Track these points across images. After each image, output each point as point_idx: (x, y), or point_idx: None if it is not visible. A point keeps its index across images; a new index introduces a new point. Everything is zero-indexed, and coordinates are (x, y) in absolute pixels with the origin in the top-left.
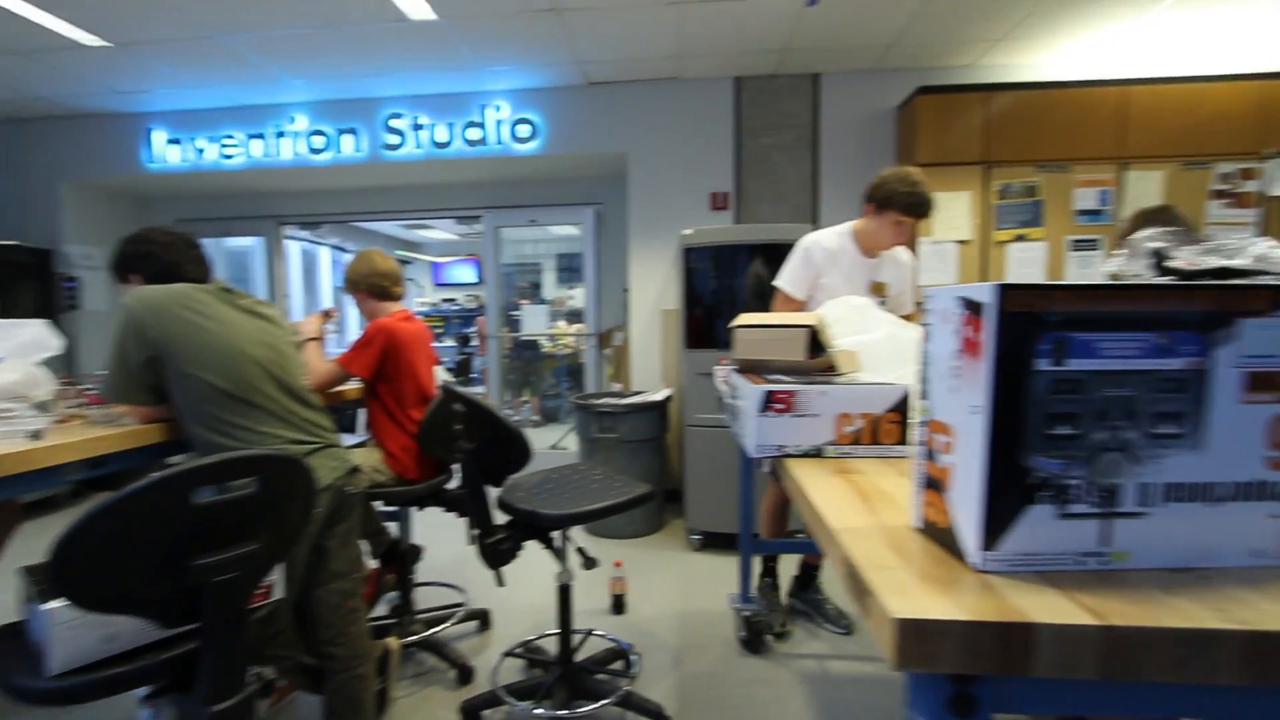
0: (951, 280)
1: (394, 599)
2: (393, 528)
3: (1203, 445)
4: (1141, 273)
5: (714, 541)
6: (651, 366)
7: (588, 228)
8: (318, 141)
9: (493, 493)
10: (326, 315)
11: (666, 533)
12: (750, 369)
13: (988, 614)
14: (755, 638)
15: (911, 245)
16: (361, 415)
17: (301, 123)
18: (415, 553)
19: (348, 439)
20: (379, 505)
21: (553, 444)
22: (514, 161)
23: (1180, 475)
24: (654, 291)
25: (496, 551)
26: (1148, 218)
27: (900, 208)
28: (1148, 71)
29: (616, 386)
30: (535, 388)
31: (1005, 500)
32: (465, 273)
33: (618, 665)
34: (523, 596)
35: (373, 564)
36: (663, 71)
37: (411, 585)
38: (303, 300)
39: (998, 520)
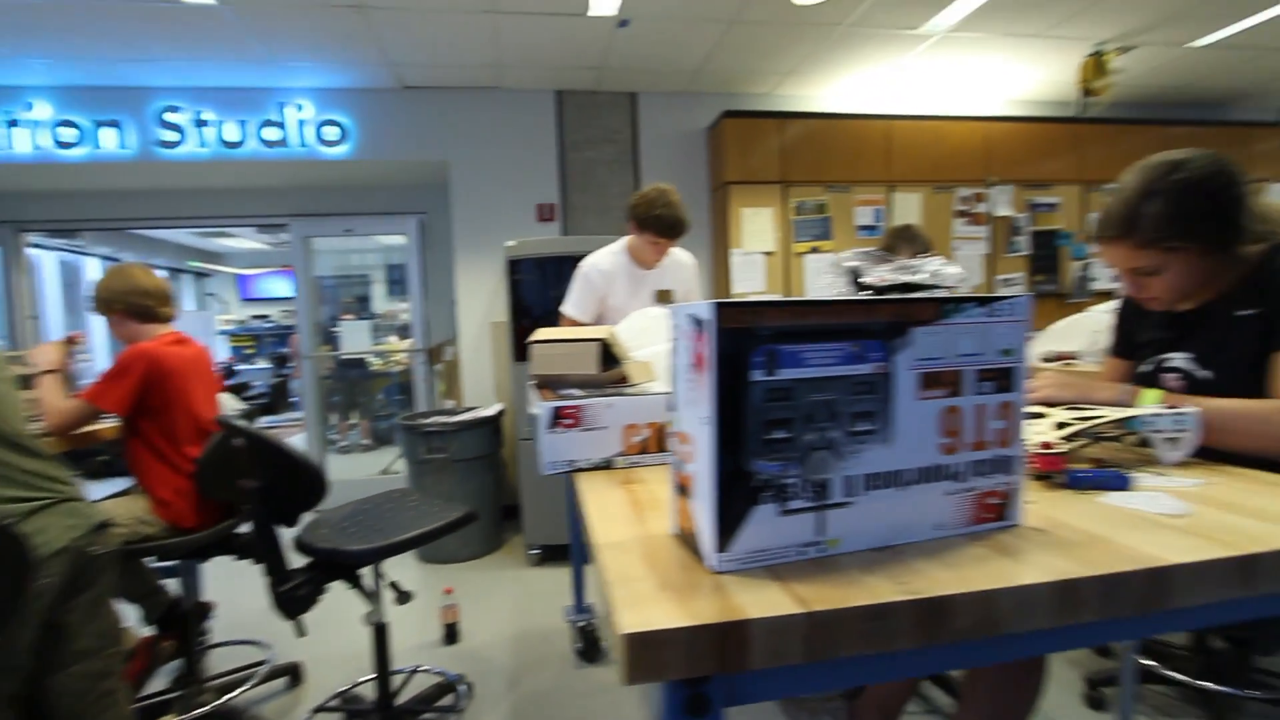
0: (761, 288)
1: (177, 668)
2: (174, 585)
3: (892, 438)
4: (844, 289)
5: (553, 555)
6: (484, 381)
7: (411, 238)
8: (67, 134)
9: (294, 532)
10: (70, 341)
11: (506, 551)
12: (547, 384)
13: (710, 616)
14: (591, 647)
15: (723, 256)
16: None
17: (43, 111)
18: (202, 611)
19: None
20: (152, 562)
21: (383, 469)
22: (323, 166)
23: (876, 466)
24: (483, 304)
25: (292, 599)
26: (896, 234)
27: (654, 230)
28: (907, 109)
29: (449, 403)
30: (365, 409)
31: (734, 503)
32: (280, 286)
33: (446, 700)
34: (340, 643)
35: (145, 632)
36: (483, 80)
37: (199, 649)
38: (63, 321)
39: (729, 522)
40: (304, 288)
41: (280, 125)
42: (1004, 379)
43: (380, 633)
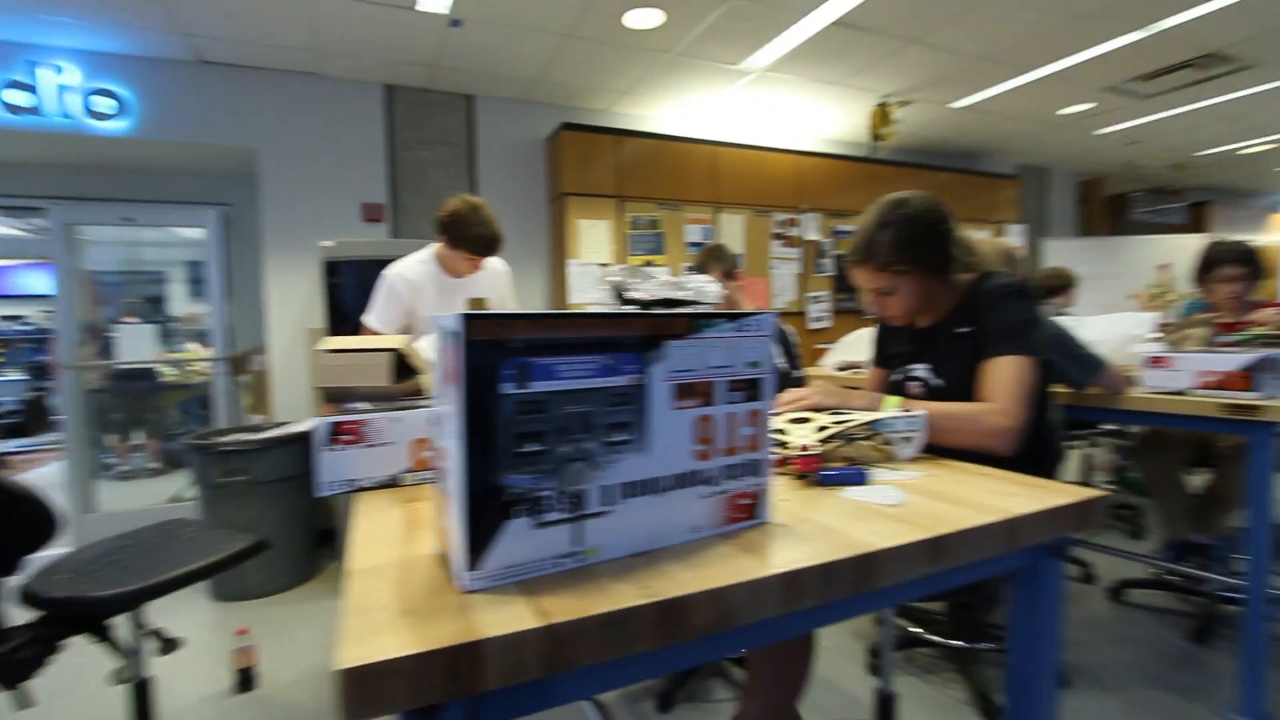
0: (598, 298)
1: None
2: None
3: (648, 447)
4: (610, 302)
5: None
6: (297, 393)
7: (211, 232)
8: None
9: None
10: None
11: (320, 581)
12: (334, 398)
13: (444, 640)
14: None
15: (560, 266)
16: None
17: None
18: None
19: None
20: None
21: (171, 497)
22: (93, 142)
23: (633, 474)
24: (297, 308)
25: (10, 663)
26: (708, 253)
27: (470, 249)
28: (732, 138)
29: (257, 418)
30: (154, 428)
31: (485, 519)
32: (41, 281)
33: None
34: (94, 709)
35: None
36: (299, 63)
37: None
38: None
39: (480, 539)
40: (66, 284)
41: (31, 89)
42: (752, 389)
43: (140, 693)
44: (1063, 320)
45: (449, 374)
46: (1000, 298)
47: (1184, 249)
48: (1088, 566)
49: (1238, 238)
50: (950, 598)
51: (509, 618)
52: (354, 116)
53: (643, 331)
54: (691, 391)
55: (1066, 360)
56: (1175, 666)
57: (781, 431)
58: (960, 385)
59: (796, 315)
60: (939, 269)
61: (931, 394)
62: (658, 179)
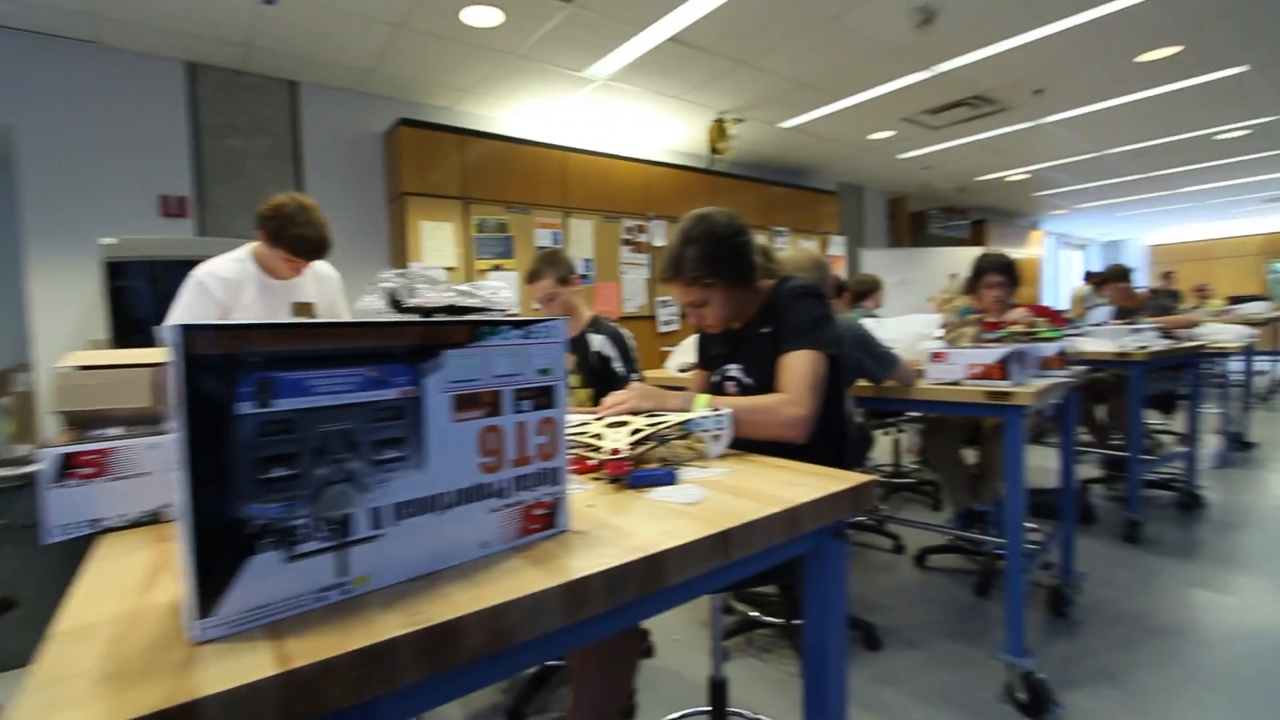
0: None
1: None
2: None
3: (425, 463)
4: (383, 310)
5: None
6: None
7: None
8: None
9: None
10: None
11: None
12: (80, 423)
13: (145, 707)
14: None
15: (401, 268)
16: None
17: None
18: None
19: None
20: None
21: None
22: None
23: (409, 493)
24: (75, 318)
25: None
26: (543, 259)
27: (290, 249)
28: (582, 144)
29: (23, 449)
30: None
31: (220, 558)
32: None
33: None
34: None
35: None
36: (72, 28)
37: None
38: None
39: (214, 582)
40: None
41: None
42: (544, 396)
43: None
44: (868, 321)
45: (171, 394)
46: (794, 299)
47: (967, 259)
48: (897, 539)
49: (1000, 250)
50: (773, 580)
51: (241, 669)
52: (147, 96)
53: (415, 341)
54: (475, 402)
55: (867, 357)
56: (965, 618)
57: (598, 436)
58: (768, 382)
59: (647, 319)
60: (743, 279)
61: (744, 392)
62: (506, 182)
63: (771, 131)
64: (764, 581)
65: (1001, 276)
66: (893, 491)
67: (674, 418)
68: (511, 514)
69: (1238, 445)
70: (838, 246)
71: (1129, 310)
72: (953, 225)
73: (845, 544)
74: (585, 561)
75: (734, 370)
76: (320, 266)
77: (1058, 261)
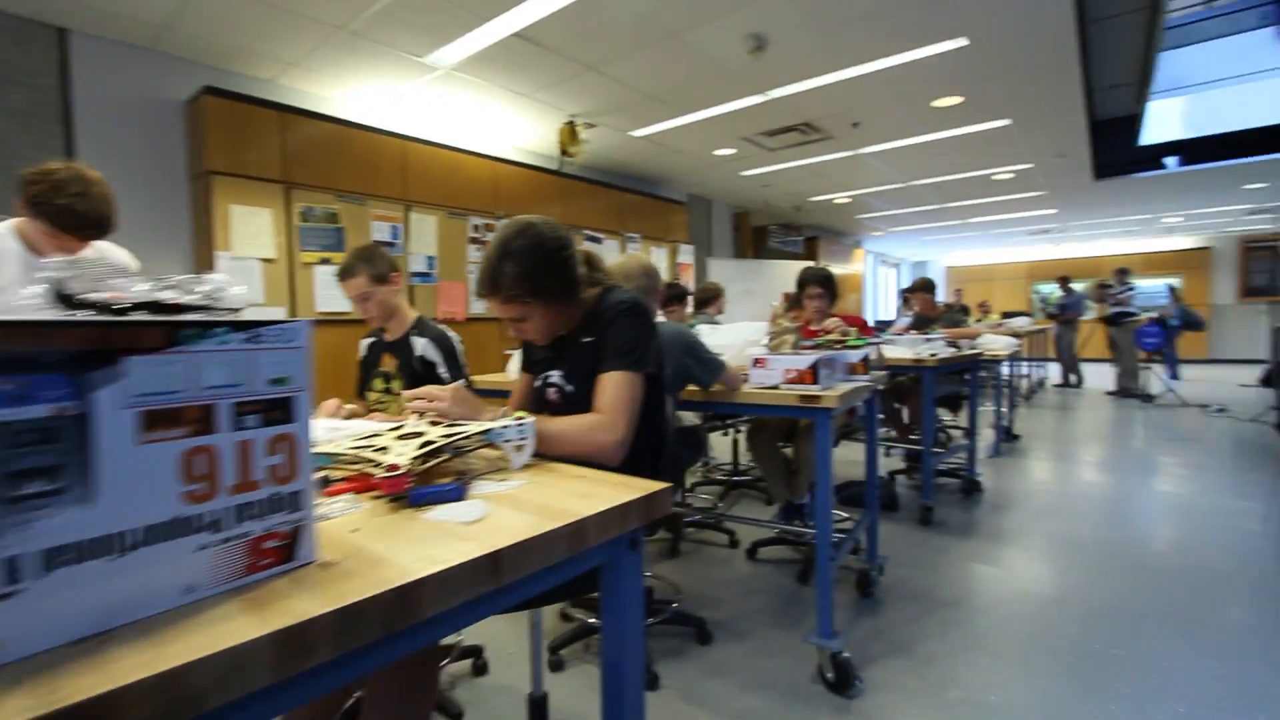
0: (258, 300)
1: None
2: None
3: (97, 496)
4: (50, 305)
5: None
6: None
7: None
8: None
9: None
10: None
11: None
12: None
13: None
14: None
15: (206, 258)
16: None
17: None
18: None
19: None
20: None
21: None
22: None
23: (70, 535)
24: None
25: None
26: (356, 255)
27: (49, 219)
28: (427, 134)
29: None
30: None
31: None
32: None
33: None
34: None
35: None
36: None
37: None
38: None
39: None
40: None
41: None
42: (277, 410)
43: None
44: (705, 328)
45: None
46: (617, 315)
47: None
48: (732, 534)
49: (822, 265)
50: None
51: None
52: None
53: (79, 345)
54: (175, 419)
55: (695, 364)
56: (788, 605)
57: (384, 449)
58: (588, 391)
59: (494, 321)
60: (565, 295)
61: (565, 399)
62: (338, 168)
63: (623, 139)
64: (570, 595)
65: (821, 288)
66: (731, 488)
67: (473, 427)
68: (231, 550)
69: (1007, 437)
70: (686, 255)
71: (930, 319)
72: (789, 240)
73: (640, 554)
74: (314, 602)
75: (555, 377)
76: (115, 253)
77: (876, 277)
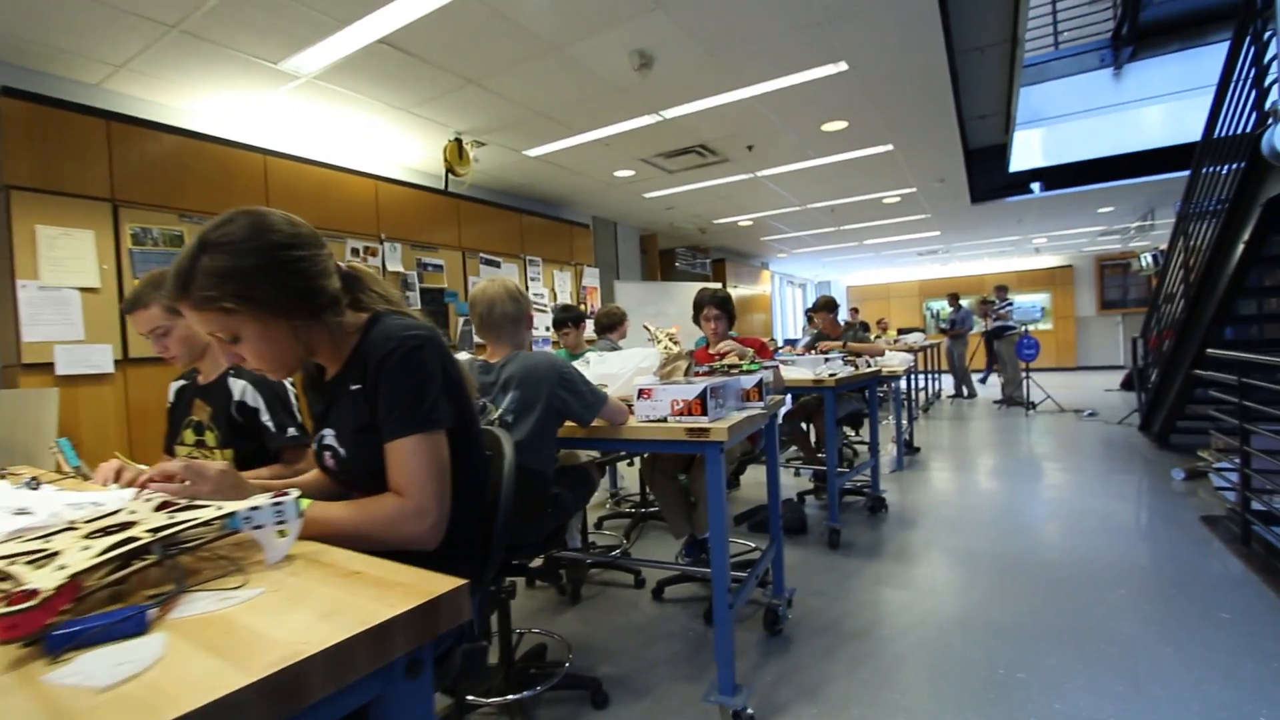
0: (77, 335)
1: None
2: None
3: None
4: None
5: None
6: None
7: None
8: None
9: None
10: None
11: None
12: None
13: None
14: None
15: (7, 288)
16: None
17: None
18: None
19: None
20: None
21: None
22: None
23: None
24: None
25: None
26: (149, 282)
27: None
28: (291, 148)
29: None
30: None
31: None
32: None
33: None
34: None
35: None
36: None
37: None
38: None
39: None
40: None
41: None
42: None
43: None
44: (593, 355)
45: None
46: (386, 360)
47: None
48: (638, 573)
49: (719, 285)
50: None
51: None
52: None
53: None
54: None
55: (570, 398)
56: (694, 651)
57: (43, 557)
58: (365, 455)
59: None
60: (287, 309)
61: (341, 467)
62: (183, 184)
63: (518, 159)
64: None
65: (718, 310)
66: (640, 520)
67: (206, 513)
68: None
69: (909, 450)
70: (591, 278)
71: (831, 337)
72: (697, 262)
73: (427, 680)
74: None
75: (329, 437)
76: None
77: (784, 296)
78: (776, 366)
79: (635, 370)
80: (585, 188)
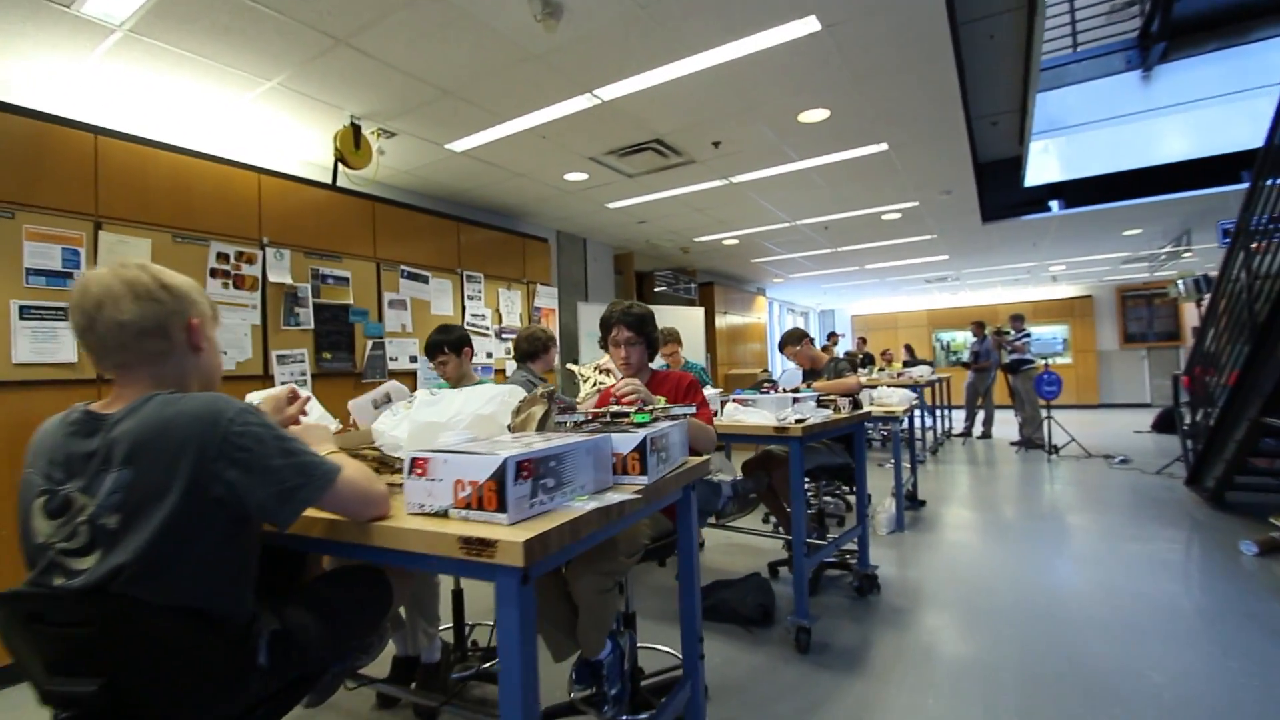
0: None
1: None
2: None
3: None
4: None
5: None
6: None
7: None
8: None
9: None
10: None
11: None
12: None
13: None
14: None
15: None
16: None
17: None
18: None
19: None
20: None
21: None
22: None
23: None
24: None
25: None
26: None
27: None
28: (136, 129)
29: None
30: None
31: None
32: None
33: None
34: None
35: None
36: None
37: None
38: None
39: None
40: None
41: None
42: None
43: None
44: (423, 393)
45: None
46: None
47: (691, 318)
48: None
49: (631, 301)
50: None
51: None
52: None
53: None
54: None
55: (246, 479)
56: None
57: None
58: None
59: (257, 379)
60: None
61: None
62: None
63: (442, 155)
64: None
65: (630, 331)
66: None
67: None
68: None
69: (911, 504)
70: (548, 298)
71: (813, 372)
72: (680, 286)
73: None
74: None
75: None
76: None
77: (782, 325)
78: (695, 412)
79: (474, 418)
80: (537, 195)
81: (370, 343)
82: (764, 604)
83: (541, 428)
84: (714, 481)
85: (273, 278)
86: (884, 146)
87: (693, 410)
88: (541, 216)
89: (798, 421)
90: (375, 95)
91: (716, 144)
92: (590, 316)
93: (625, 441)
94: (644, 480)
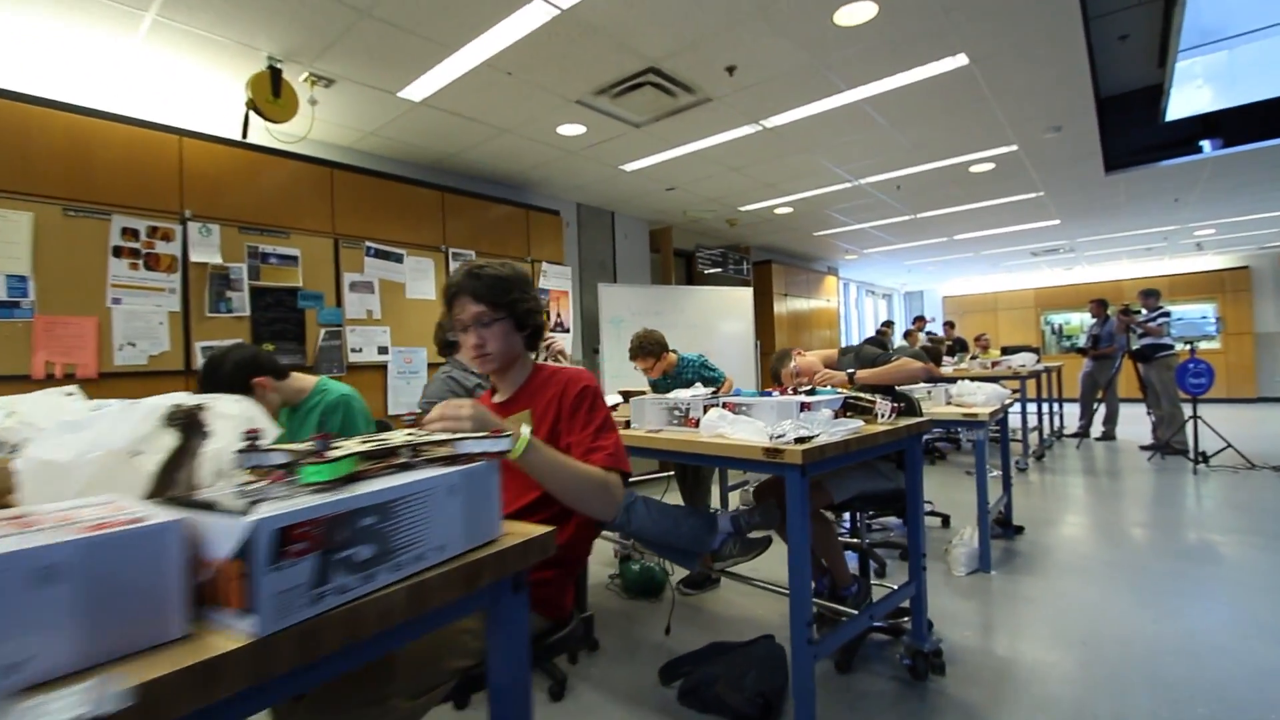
0: None
1: None
2: None
3: None
4: None
5: None
6: None
7: None
8: None
9: None
10: None
11: None
12: None
13: None
14: None
15: None
16: None
17: None
18: None
19: None
20: None
21: None
22: None
23: None
24: None
25: None
26: None
27: None
28: (17, 84)
29: None
30: None
31: None
32: None
33: None
34: None
35: None
36: None
37: None
38: None
39: None
40: None
41: None
42: None
43: None
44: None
45: None
46: None
47: (734, 301)
48: None
49: (485, 261)
50: None
51: None
52: None
53: None
54: None
55: None
56: None
57: None
58: None
59: (177, 375)
60: None
61: None
62: None
63: (401, 107)
64: None
65: (481, 305)
66: None
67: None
68: None
69: (1004, 532)
70: (560, 278)
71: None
72: (731, 266)
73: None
74: None
75: None
76: None
77: (861, 310)
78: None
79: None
80: (536, 158)
81: (323, 331)
82: (766, 692)
83: (169, 485)
84: (708, 514)
85: (196, 257)
86: (963, 60)
87: (505, 448)
88: (552, 186)
89: (799, 441)
90: (280, 25)
91: (731, 69)
92: (614, 300)
93: (218, 535)
94: (250, 623)
